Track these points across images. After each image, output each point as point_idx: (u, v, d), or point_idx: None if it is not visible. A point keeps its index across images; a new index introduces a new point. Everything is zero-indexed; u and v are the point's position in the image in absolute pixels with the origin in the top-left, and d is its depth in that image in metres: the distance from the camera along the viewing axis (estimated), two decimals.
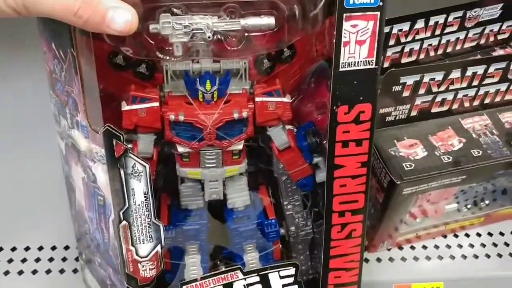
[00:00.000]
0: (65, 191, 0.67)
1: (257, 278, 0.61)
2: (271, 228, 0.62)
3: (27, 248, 0.76)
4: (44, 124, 0.70)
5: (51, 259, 0.74)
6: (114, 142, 0.51)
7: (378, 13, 0.49)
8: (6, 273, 0.73)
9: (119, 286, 0.59)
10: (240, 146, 0.56)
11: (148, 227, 0.55)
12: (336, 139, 0.55)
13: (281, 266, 0.61)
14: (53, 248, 0.76)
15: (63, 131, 0.58)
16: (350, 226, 0.59)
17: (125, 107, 0.53)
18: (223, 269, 0.61)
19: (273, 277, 0.61)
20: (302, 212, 0.62)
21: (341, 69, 0.51)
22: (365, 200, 0.58)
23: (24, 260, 0.75)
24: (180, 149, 0.55)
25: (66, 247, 0.75)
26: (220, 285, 0.60)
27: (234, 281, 0.60)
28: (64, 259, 0.74)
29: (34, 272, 0.73)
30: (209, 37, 0.48)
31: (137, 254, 0.56)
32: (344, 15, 0.48)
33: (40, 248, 0.76)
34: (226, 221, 0.63)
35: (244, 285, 0.61)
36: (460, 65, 0.69)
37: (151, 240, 0.56)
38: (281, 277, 0.61)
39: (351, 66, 0.51)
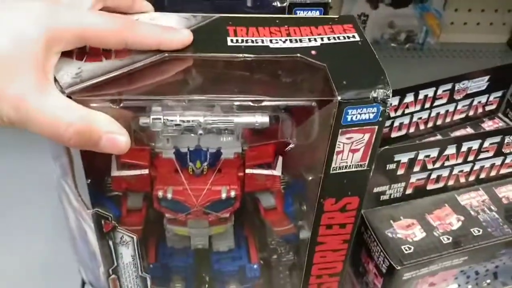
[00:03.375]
0: None
1: None
2: (253, 273, 0.57)
3: None
4: None
5: None
6: (102, 222, 0.46)
7: (376, 127, 0.41)
8: None
9: None
10: (227, 215, 0.50)
11: (136, 278, 0.51)
12: (320, 223, 0.47)
13: None
14: None
15: (55, 172, 0.50)
16: (326, 285, 0.54)
17: (114, 172, 0.46)
18: None
19: None
20: (285, 246, 0.57)
21: (331, 172, 0.43)
22: (343, 266, 0.52)
23: None
24: (167, 215, 0.50)
25: None
26: None
27: None
28: None
29: None
30: (200, 134, 0.42)
31: None
32: (340, 130, 0.41)
33: None
34: (210, 261, 0.57)
35: None
36: (455, 141, 0.60)
37: (138, 286, 0.52)
38: None
39: (342, 170, 0.44)
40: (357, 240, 0.62)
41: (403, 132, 0.70)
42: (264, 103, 0.41)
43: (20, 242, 0.73)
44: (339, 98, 0.40)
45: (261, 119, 0.43)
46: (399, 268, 0.56)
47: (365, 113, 0.41)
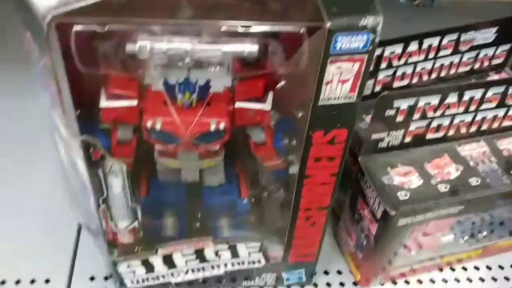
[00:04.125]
0: None
1: (226, 246, 0.57)
2: (243, 207, 0.58)
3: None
4: None
5: None
6: (91, 150, 0.46)
7: (366, 56, 0.40)
8: None
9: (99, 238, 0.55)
10: (217, 147, 0.50)
11: (126, 209, 0.52)
12: (308, 156, 0.47)
13: (248, 240, 0.58)
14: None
15: (45, 104, 0.48)
16: (314, 218, 0.54)
17: (103, 103, 0.46)
18: (198, 227, 0.59)
19: (241, 247, 0.58)
20: (275, 183, 0.57)
21: (320, 104, 0.43)
22: (330, 200, 0.52)
23: None
24: (158, 146, 0.50)
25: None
26: (192, 249, 0.57)
27: (205, 248, 0.57)
28: None
29: None
30: (188, 64, 0.42)
31: (115, 226, 0.53)
32: (329, 59, 0.40)
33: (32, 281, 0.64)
34: (201, 196, 0.57)
35: (214, 251, 0.57)
36: (456, 89, 0.58)
37: (129, 218, 0.53)
38: (248, 247, 0.58)
39: (331, 101, 0.43)
40: (353, 187, 0.62)
41: (406, 82, 0.68)
42: (252, 29, 0.40)
43: (18, 187, 0.74)
44: (328, 24, 0.39)
45: (250, 48, 0.42)
46: (393, 213, 0.55)
47: (354, 42, 0.40)
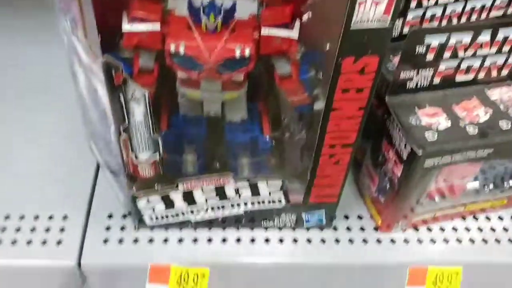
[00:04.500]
0: None
1: (246, 184, 0.56)
2: (265, 144, 0.56)
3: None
4: None
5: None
6: (113, 72, 0.44)
7: None
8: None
9: (119, 174, 0.56)
10: (241, 78, 0.48)
11: (147, 140, 0.50)
12: (337, 86, 0.45)
13: (270, 178, 0.57)
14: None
15: (64, 29, 0.49)
16: (338, 156, 0.53)
17: (125, 26, 0.44)
18: (218, 166, 0.58)
19: (262, 185, 0.57)
20: (298, 123, 0.56)
21: (352, 28, 0.41)
22: (357, 136, 0.51)
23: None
24: (180, 74, 0.48)
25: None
26: (212, 186, 0.56)
27: (226, 185, 0.56)
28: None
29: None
30: None
31: (136, 159, 0.52)
32: None
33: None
34: (223, 133, 0.56)
35: (234, 189, 0.57)
36: (490, 27, 0.56)
37: (150, 150, 0.51)
38: (269, 186, 0.57)
39: (363, 24, 0.41)
40: (378, 128, 0.60)
41: (435, 24, 0.65)
42: None
43: (37, 127, 0.74)
44: None
45: None
46: (420, 153, 0.53)
47: None
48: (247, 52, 0.44)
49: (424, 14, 0.64)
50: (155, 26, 0.45)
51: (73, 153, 0.69)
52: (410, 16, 0.64)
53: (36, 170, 0.67)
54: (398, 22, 0.64)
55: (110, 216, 0.64)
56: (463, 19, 0.67)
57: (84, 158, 0.68)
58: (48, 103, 0.76)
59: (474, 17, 0.67)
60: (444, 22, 0.66)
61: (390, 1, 0.40)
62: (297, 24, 0.45)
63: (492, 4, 0.67)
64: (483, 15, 0.68)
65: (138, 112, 0.47)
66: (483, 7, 0.67)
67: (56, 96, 0.75)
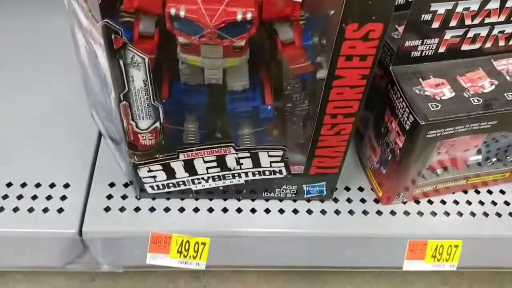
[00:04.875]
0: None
1: (247, 154, 0.56)
2: (266, 113, 0.55)
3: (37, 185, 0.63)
4: None
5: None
6: (113, 36, 0.43)
7: None
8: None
9: (120, 143, 0.55)
10: (242, 43, 0.47)
11: (148, 107, 0.50)
12: (340, 53, 0.45)
13: (271, 148, 0.56)
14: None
15: None
16: (340, 126, 0.52)
17: None
18: (219, 136, 0.57)
19: (263, 155, 0.56)
20: (300, 93, 0.55)
21: None
22: (359, 106, 0.50)
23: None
24: (180, 39, 0.47)
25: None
26: (213, 155, 0.56)
27: (227, 154, 0.56)
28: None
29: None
30: None
31: (137, 127, 0.51)
32: None
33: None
34: (225, 102, 0.55)
35: (235, 158, 0.56)
36: None
37: (150, 118, 0.51)
38: (270, 156, 0.57)
39: None
40: (381, 98, 0.59)
41: None
42: None
43: (39, 95, 0.73)
44: None
45: None
46: (423, 123, 0.53)
47: None
48: (248, 16, 0.43)
49: None
50: None
51: (75, 121, 0.69)
52: None
53: (37, 138, 0.67)
54: None
55: (111, 185, 0.63)
56: None
57: (86, 126, 0.68)
58: (49, 70, 0.76)
59: None
60: None
61: None
62: None
63: None
64: None
65: (138, 78, 0.46)
66: None
67: (58, 63, 0.74)
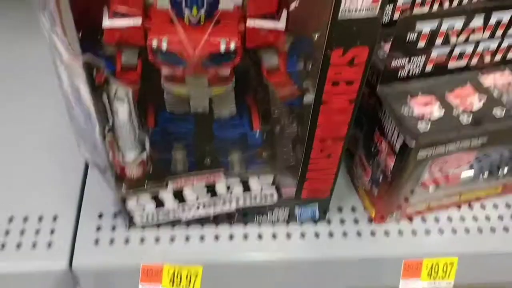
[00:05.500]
0: None
1: (238, 180, 0.55)
2: (255, 140, 0.55)
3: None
4: None
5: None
6: (94, 71, 0.43)
7: None
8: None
9: (107, 174, 0.54)
10: (227, 72, 0.46)
11: (133, 139, 0.49)
12: (326, 79, 0.44)
13: (261, 173, 0.56)
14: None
15: (44, 26, 0.46)
16: (330, 149, 0.51)
17: (106, 22, 0.42)
18: (208, 163, 0.56)
19: (253, 180, 0.56)
20: (288, 116, 0.54)
21: (339, 17, 0.39)
22: (348, 129, 0.50)
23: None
24: (164, 71, 0.46)
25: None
26: (203, 183, 0.55)
27: (217, 182, 0.55)
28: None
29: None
30: None
31: (123, 160, 0.50)
32: None
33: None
34: (212, 129, 0.54)
35: (226, 186, 0.55)
36: (483, 11, 0.53)
37: (137, 149, 0.50)
38: (260, 181, 0.56)
39: (352, 14, 0.39)
40: (370, 118, 0.58)
41: (425, 9, 0.63)
42: None
43: (24, 124, 0.72)
44: None
45: None
46: (413, 145, 0.52)
47: None
48: (232, 45, 0.42)
49: None
50: (136, 21, 0.43)
51: (62, 151, 0.68)
52: (400, 1, 0.62)
53: (24, 169, 0.66)
54: (389, 8, 0.62)
55: (100, 216, 0.62)
56: (455, 3, 0.65)
57: (73, 156, 0.66)
58: (35, 100, 0.74)
59: (465, 0, 0.66)
60: (435, 7, 0.64)
61: None
62: (284, 14, 0.44)
63: None
64: None
65: (122, 111, 0.45)
66: None
67: (44, 92, 0.73)
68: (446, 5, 0.64)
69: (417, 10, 0.63)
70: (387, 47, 0.59)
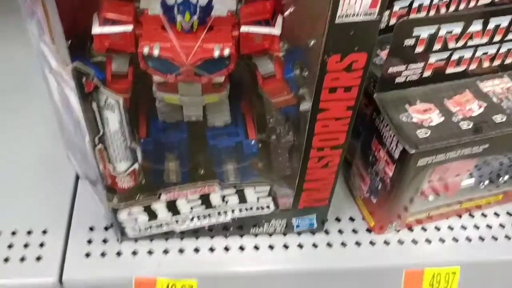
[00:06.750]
0: None
1: (233, 191, 0.54)
2: (250, 149, 0.53)
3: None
4: None
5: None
6: (83, 80, 0.41)
7: None
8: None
9: (97, 185, 0.53)
10: (221, 79, 0.45)
11: (124, 149, 0.47)
12: (323, 85, 0.43)
13: (257, 184, 0.54)
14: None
15: (32, 33, 0.45)
16: (327, 158, 0.50)
17: (96, 29, 0.41)
18: (202, 173, 0.55)
19: (249, 191, 0.54)
20: (284, 125, 0.53)
21: (337, 22, 0.38)
22: (346, 138, 0.48)
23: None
24: (156, 78, 0.45)
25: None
26: (197, 194, 0.53)
27: (211, 193, 0.53)
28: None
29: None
30: None
31: (114, 170, 0.48)
32: None
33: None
34: (206, 138, 0.53)
35: (221, 197, 0.54)
36: (481, 16, 0.53)
37: (128, 160, 0.48)
38: (256, 192, 0.54)
39: (349, 18, 0.38)
40: (367, 126, 0.57)
41: (423, 15, 0.62)
42: None
43: (13, 137, 0.71)
44: None
45: None
46: (413, 152, 0.51)
47: None
48: (226, 52, 0.41)
49: (411, 4, 0.61)
50: (127, 28, 0.41)
51: (51, 163, 0.66)
52: (397, 7, 0.61)
53: (12, 182, 0.64)
54: (385, 13, 0.61)
55: (91, 228, 0.61)
56: (451, 8, 0.64)
57: (63, 168, 0.65)
58: (24, 113, 0.73)
59: (462, 5, 0.65)
60: (432, 12, 0.63)
61: None
62: (279, 20, 0.42)
63: None
64: (472, 3, 0.65)
65: (113, 120, 0.44)
66: None
67: (33, 105, 0.72)
68: (442, 10, 0.64)
69: (413, 15, 0.62)
70: (383, 53, 0.59)
